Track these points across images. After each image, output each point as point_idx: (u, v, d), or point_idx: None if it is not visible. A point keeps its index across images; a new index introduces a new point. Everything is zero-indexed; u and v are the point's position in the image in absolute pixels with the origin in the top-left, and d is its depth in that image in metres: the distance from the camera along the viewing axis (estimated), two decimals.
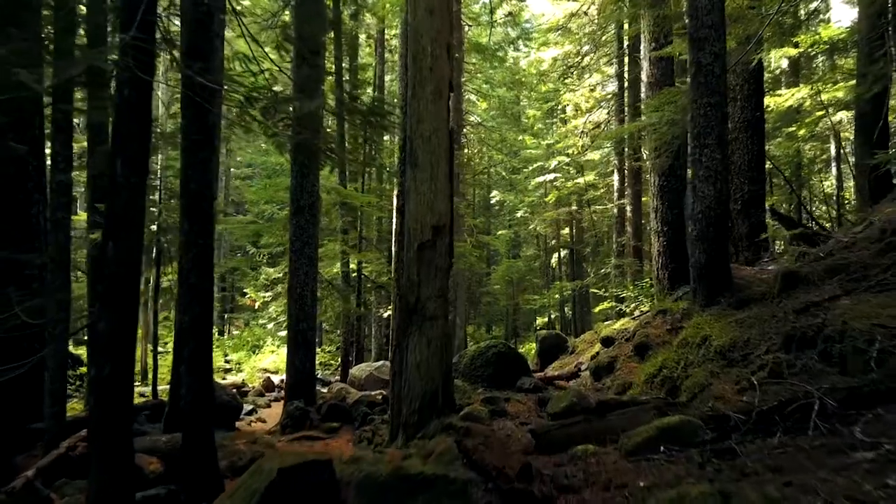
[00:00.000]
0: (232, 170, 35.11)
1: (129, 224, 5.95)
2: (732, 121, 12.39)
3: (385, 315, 20.02)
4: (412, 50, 6.80)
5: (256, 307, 24.80)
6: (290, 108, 7.80)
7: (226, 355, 24.75)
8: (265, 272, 24.57)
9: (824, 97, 15.18)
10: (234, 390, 17.63)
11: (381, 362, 15.18)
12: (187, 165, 7.10)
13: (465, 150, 28.15)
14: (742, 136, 12.55)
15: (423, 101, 6.72)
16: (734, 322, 5.67)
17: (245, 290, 26.17)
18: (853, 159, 20.80)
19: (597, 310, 17.58)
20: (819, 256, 6.65)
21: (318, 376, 21.47)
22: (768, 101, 14.65)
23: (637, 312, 11.96)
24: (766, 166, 14.29)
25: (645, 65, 12.02)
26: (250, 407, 15.43)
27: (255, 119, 7.78)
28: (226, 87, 7.41)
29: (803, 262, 7.08)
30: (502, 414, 7.38)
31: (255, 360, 23.25)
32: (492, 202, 35.10)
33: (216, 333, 29.67)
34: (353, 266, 17.37)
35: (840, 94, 15.22)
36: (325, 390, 16.75)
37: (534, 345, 32.57)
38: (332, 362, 23.76)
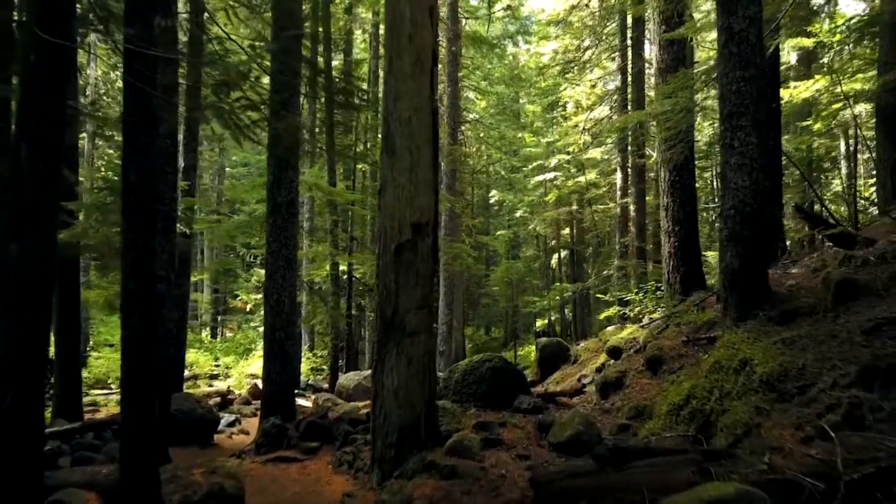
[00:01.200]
0: (227, 169, 34.01)
1: (37, 222, 4.79)
2: None
3: None
4: (388, 15, 5.63)
5: (248, 309, 23.66)
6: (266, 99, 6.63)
7: (216, 359, 23.58)
8: (256, 273, 23.44)
9: (843, 88, 14.00)
10: (219, 398, 16.51)
11: (371, 370, 13.99)
12: (126, 153, 5.94)
13: (464, 149, 27.00)
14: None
15: (400, 75, 5.55)
16: (780, 343, 4.50)
17: (237, 292, 25.05)
18: (868, 154, 19.63)
19: (601, 316, 16.41)
20: (871, 260, 5.51)
21: (310, 382, 20.35)
22: (782, 93, 13.46)
23: (646, 319, 10.79)
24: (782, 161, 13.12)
25: (654, 49, 10.85)
26: (233, 417, 14.29)
27: (221, 103, 6.65)
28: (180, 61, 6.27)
29: (849, 266, 5.92)
30: (496, 443, 6.20)
31: (243, 365, 22.11)
32: (491, 202, 33.93)
33: (208, 336, 28.52)
34: (343, 268, 16.22)
35: (858, 86, 14.05)
36: (309, 402, 15.61)
37: (533, 348, 31.43)
38: (325, 367, 22.63)
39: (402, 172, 5.46)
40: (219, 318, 28.85)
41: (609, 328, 13.12)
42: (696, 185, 11.82)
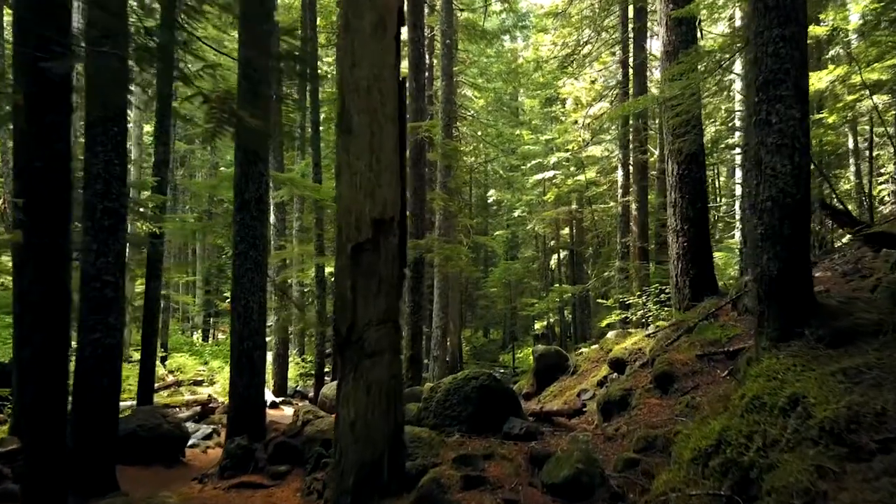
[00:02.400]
0: (223, 168, 32.83)
1: None
2: None
3: None
4: None
5: None
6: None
7: (205, 363, 22.45)
8: None
9: (857, 78, 12.85)
10: (199, 408, 15.39)
11: None
12: (28, 134, 4.83)
13: (461, 145, 25.84)
14: None
15: (359, 36, 4.42)
16: (841, 374, 3.37)
17: (226, 294, 23.94)
18: (878, 151, 18.46)
19: (603, 324, 15.25)
20: None
21: (298, 388, 19.22)
22: None
23: (652, 328, 9.66)
24: None
25: (661, 31, 9.72)
26: (211, 429, 13.18)
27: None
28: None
29: None
30: (479, 482, 5.07)
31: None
32: (489, 201, 32.80)
33: (199, 339, 27.40)
34: (330, 270, 15.10)
35: (875, 76, 12.90)
36: (292, 410, 14.50)
37: (531, 349, 30.27)
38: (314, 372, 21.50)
39: (361, 155, 4.35)
40: (210, 320, 27.71)
41: (610, 334, 11.98)
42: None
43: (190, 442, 12.63)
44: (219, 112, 4.71)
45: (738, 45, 7.97)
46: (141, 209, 11.01)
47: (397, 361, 4.56)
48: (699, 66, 7.54)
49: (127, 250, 9.17)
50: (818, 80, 13.20)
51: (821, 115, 15.51)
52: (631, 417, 6.71)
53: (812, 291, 4.22)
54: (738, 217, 20.77)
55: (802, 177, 4.10)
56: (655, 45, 20.85)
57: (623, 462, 5.22)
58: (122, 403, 15.44)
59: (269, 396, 17.17)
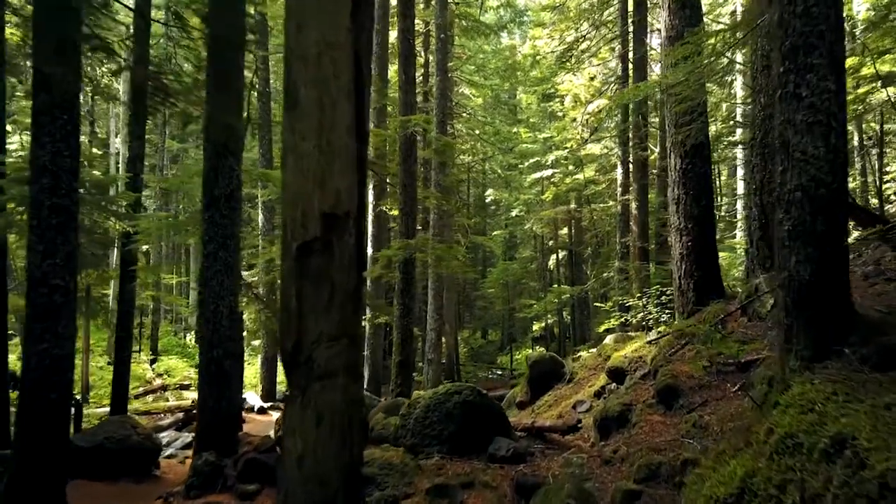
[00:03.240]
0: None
1: None
2: (766, 94, 9.34)
3: None
4: None
5: None
6: None
7: (195, 366, 21.68)
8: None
9: (867, 70, 12.08)
10: (182, 414, 14.66)
11: None
12: None
13: (458, 142, 25.08)
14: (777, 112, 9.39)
15: None
16: None
17: None
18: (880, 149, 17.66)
19: (601, 328, 14.47)
20: None
21: (287, 393, 18.45)
22: None
23: (653, 334, 8.88)
24: None
25: (663, 15, 8.96)
26: (191, 438, 12.46)
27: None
28: None
29: None
30: None
31: None
32: (487, 201, 32.02)
33: (190, 342, 26.65)
34: None
35: (887, 67, 12.12)
36: (279, 414, 13.76)
37: (529, 352, 29.47)
38: None
39: (308, 136, 3.57)
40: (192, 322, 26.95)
41: (609, 339, 11.22)
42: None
43: (168, 452, 11.89)
44: (151, 88, 3.94)
45: (746, 28, 7.21)
46: (113, 207, 10.28)
47: (355, 384, 3.78)
48: (705, 50, 6.78)
49: (114, 254, 8.44)
50: None
51: None
52: (631, 436, 5.94)
53: (850, 300, 3.46)
54: (739, 216, 20.03)
55: (839, 161, 3.34)
56: (656, 42, 20.11)
57: (622, 495, 4.46)
58: (97, 410, 14.70)
59: (257, 401, 16.44)
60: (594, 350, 13.29)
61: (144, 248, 25.07)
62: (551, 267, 27.45)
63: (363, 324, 16.21)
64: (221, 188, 8.24)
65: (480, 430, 5.98)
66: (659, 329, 9.03)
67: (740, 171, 20.23)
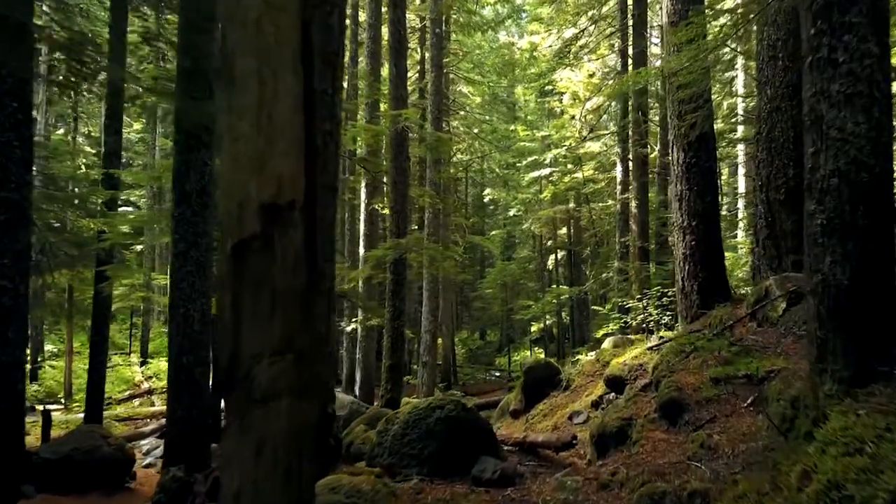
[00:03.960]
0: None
1: None
2: (773, 86, 8.75)
3: (348, 329, 16.33)
4: None
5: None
6: None
7: None
8: None
9: None
10: (165, 420, 14.05)
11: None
12: None
13: (458, 144, 24.47)
14: (784, 104, 8.81)
15: None
16: None
17: None
18: None
19: (599, 334, 13.81)
20: None
21: None
22: None
23: (654, 339, 8.25)
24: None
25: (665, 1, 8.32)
26: None
27: None
28: None
29: None
30: None
31: None
32: (485, 200, 31.39)
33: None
34: None
35: None
36: None
37: (528, 353, 28.83)
38: None
39: (245, 114, 2.96)
40: None
41: (607, 343, 10.60)
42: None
43: (147, 461, 11.27)
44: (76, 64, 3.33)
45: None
46: (86, 203, 9.67)
47: (304, 408, 3.15)
48: (711, 32, 6.16)
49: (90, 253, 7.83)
50: None
51: None
52: (631, 456, 5.31)
53: None
54: (741, 215, 19.37)
55: (883, 140, 2.71)
56: (656, 38, 19.47)
57: None
58: (80, 416, 14.05)
59: None
60: (592, 355, 12.66)
61: (139, 247, 24.41)
62: (550, 267, 26.82)
63: (355, 326, 15.63)
64: (193, 183, 7.62)
65: (465, 448, 5.35)
66: (661, 334, 8.39)
67: (741, 170, 19.58)
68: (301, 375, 3.30)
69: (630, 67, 17.84)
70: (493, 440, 5.67)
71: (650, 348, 7.76)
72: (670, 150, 8.42)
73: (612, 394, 7.42)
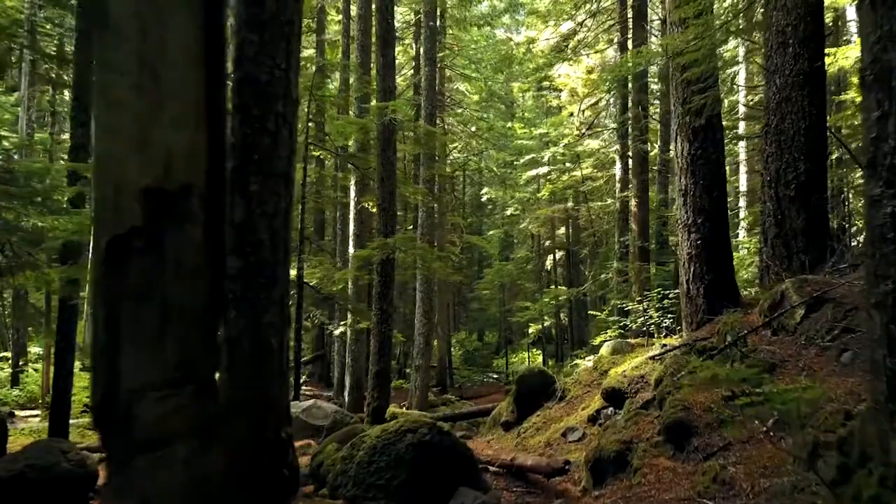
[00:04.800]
0: None
1: None
2: (782, 74, 7.99)
3: (336, 332, 15.55)
4: None
5: None
6: None
7: None
8: None
9: None
10: None
11: (310, 402, 10.74)
12: None
13: (455, 144, 23.69)
14: (795, 94, 8.04)
15: None
16: None
17: None
18: None
19: (597, 341, 13.03)
20: None
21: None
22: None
23: (657, 347, 7.47)
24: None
25: None
26: None
27: None
28: None
29: None
30: None
31: None
32: (483, 200, 30.61)
33: None
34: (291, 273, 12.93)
35: None
36: None
37: (526, 355, 28.03)
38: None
39: (125, 69, 2.21)
40: None
41: (605, 348, 9.82)
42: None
43: None
44: None
45: None
46: (48, 200, 8.91)
47: (209, 455, 2.42)
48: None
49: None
50: (843, 58, 11.06)
51: (846, 97, 13.35)
52: (632, 487, 4.54)
53: None
54: (742, 214, 18.59)
55: None
56: (657, 29, 18.69)
57: None
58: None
59: None
60: (590, 361, 11.89)
61: None
62: (548, 267, 26.04)
63: (343, 329, 14.85)
64: None
65: (440, 478, 4.58)
66: (663, 341, 7.61)
67: (743, 167, 18.82)
68: (204, 412, 2.54)
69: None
70: (473, 468, 4.90)
71: (652, 357, 6.99)
72: (674, 142, 7.65)
73: (611, 408, 6.65)
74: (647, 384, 6.36)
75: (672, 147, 8.05)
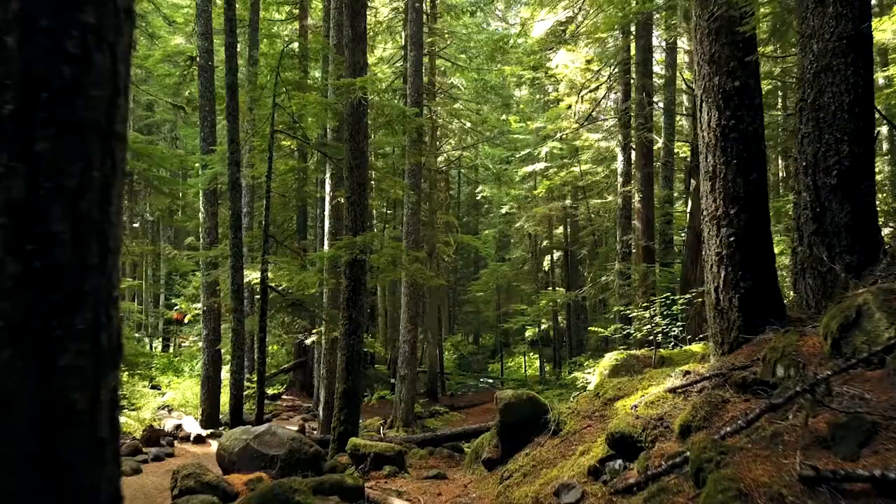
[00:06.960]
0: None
1: None
2: (821, 39, 6.19)
3: (308, 342, 13.76)
4: None
5: (186, 321, 18.64)
6: None
7: (151, 379, 18.51)
8: (195, 279, 18.48)
9: None
10: (129, 441, 11.60)
11: (265, 426, 8.94)
12: None
13: (452, 140, 21.93)
14: (836, 62, 6.21)
15: None
16: None
17: (174, 301, 20.09)
18: None
19: (595, 368, 11.21)
20: None
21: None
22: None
23: (678, 376, 5.62)
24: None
25: None
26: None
27: None
28: None
29: None
30: None
31: (174, 386, 17.12)
32: (479, 199, 28.80)
33: (159, 349, 23.55)
34: (253, 277, 11.17)
35: None
36: (200, 453, 10.59)
37: (523, 359, 26.24)
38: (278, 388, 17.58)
39: None
40: (159, 328, 23.76)
41: (606, 361, 8.10)
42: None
43: None
44: None
45: None
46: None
47: None
48: None
49: None
50: (880, 31, 9.32)
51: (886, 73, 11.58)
52: None
53: None
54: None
55: None
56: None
57: None
58: None
59: (195, 428, 13.26)
60: (590, 374, 10.11)
61: None
62: (546, 268, 24.23)
63: (315, 339, 13.11)
64: None
65: None
66: (686, 368, 5.77)
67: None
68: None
69: (633, 45, 15.33)
70: None
71: (673, 390, 5.18)
72: (699, 110, 5.85)
73: (619, 460, 4.84)
74: (670, 430, 4.56)
75: (696, 118, 6.26)
